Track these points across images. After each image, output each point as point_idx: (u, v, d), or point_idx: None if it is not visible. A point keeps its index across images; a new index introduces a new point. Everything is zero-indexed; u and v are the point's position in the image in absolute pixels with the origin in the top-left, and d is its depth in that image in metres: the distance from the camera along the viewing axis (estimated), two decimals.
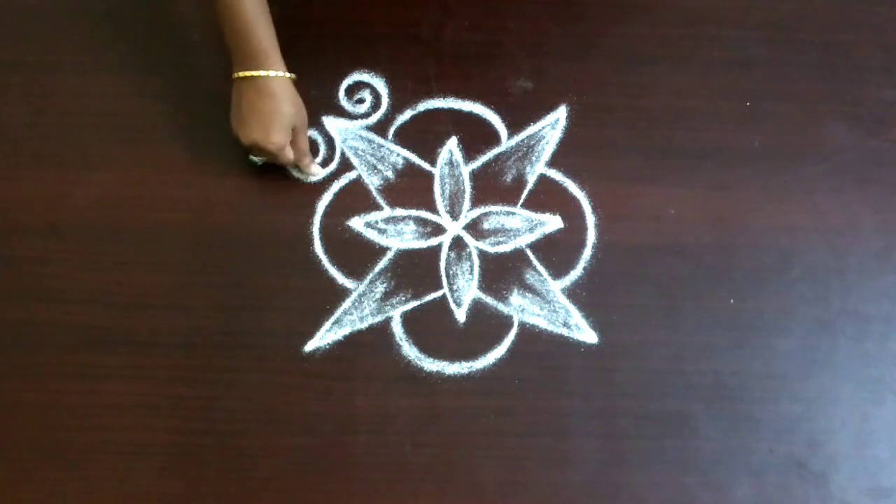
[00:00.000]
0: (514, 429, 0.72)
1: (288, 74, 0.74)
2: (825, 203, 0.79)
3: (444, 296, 0.75)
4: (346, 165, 0.80)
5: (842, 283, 0.76)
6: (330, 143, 0.80)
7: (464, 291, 0.76)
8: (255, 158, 0.78)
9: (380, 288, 0.76)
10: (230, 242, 0.77)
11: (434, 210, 0.78)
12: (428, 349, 0.74)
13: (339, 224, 0.78)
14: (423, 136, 0.80)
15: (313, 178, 0.79)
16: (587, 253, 0.77)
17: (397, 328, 0.74)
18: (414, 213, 0.78)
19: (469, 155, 0.80)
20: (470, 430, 0.72)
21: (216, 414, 0.72)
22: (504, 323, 0.75)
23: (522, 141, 0.80)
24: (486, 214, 0.78)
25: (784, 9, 0.85)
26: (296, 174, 0.79)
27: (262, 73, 0.72)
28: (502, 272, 0.76)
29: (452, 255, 0.77)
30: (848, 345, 0.75)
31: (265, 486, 0.70)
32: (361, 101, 0.82)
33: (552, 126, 0.81)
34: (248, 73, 0.72)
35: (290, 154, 0.76)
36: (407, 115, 0.81)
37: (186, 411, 0.72)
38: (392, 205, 0.78)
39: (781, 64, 0.83)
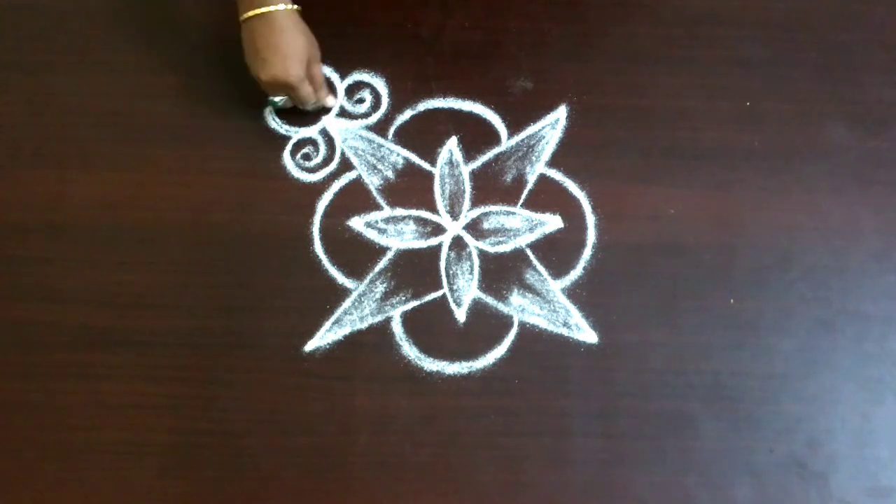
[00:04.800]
0: (514, 429, 0.72)
1: (295, 7, 0.74)
2: (825, 203, 0.79)
3: (444, 296, 0.75)
4: (346, 165, 0.80)
5: (842, 283, 0.76)
6: (330, 143, 0.80)
7: (464, 291, 0.76)
8: (276, 100, 0.78)
9: (380, 288, 0.76)
10: (230, 242, 0.77)
11: (434, 210, 0.78)
12: (428, 349, 0.74)
13: (339, 224, 0.78)
14: (423, 135, 0.80)
15: (330, 106, 0.81)
16: (587, 253, 0.77)
17: (397, 328, 0.74)
18: (414, 212, 0.78)
19: (469, 155, 0.80)
20: (470, 430, 0.72)
21: (216, 414, 0.72)
22: (504, 323, 0.75)
23: (522, 141, 0.80)
24: (486, 214, 0.78)
25: (784, 9, 0.85)
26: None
27: (271, 7, 0.72)
28: (502, 272, 0.76)
29: (452, 254, 0.77)
30: (848, 345, 0.75)
31: (265, 486, 0.70)
32: (361, 100, 0.82)
33: (552, 126, 0.81)
34: (258, 11, 0.72)
35: (308, 88, 0.76)
36: (407, 114, 0.81)
37: (186, 411, 0.72)
38: (392, 205, 0.78)
39: (781, 64, 0.83)
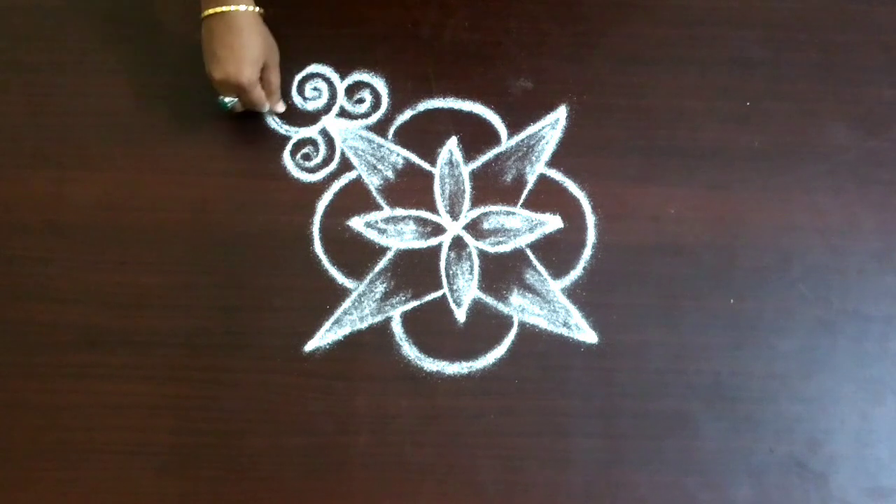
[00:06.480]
0: (514, 429, 0.72)
1: (256, 9, 0.74)
2: (825, 203, 0.79)
3: (444, 296, 0.75)
4: (346, 165, 0.80)
5: (842, 283, 0.76)
6: (330, 143, 0.80)
7: (464, 291, 0.76)
8: (226, 100, 0.77)
9: (380, 288, 0.76)
10: (230, 242, 0.77)
11: (434, 210, 0.78)
12: (428, 349, 0.74)
13: (339, 224, 0.78)
14: (423, 135, 0.80)
15: (279, 111, 0.80)
16: (587, 253, 0.77)
17: (397, 328, 0.74)
18: (414, 213, 0.78)
19: (469, 155, 0.80)
20: (470, 430, 0.72)
21: (216, 414, 0.72)
22: (504, 323, 0.75)
23: (522, 141, 0.80)
24: (486, 214, 0.78)
25: (784, 9, 0.85)
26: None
27: (231, 7, 0.72)
28: (502, 272, 0.76)
29: (452, 254, 0.77)
30: (848, 345, 0.75)
31: (265, 486, 0.70)
32: (361, 100, 0.82)
33: (552, 126, 0.81)
34: (216, 10, 0.72)
35: (260, 92, 0.76)
36: (407, 114, 0.81)
37: (186, 411, 0.72)
38: (392, 205, 0.78)
39: (781, 64, 0.83)
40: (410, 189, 0.79)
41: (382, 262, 0.76)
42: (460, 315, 0.75)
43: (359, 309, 0.75)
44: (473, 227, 0.78)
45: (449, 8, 0.85)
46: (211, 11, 0.73)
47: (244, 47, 0.73)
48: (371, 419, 0.72)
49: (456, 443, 0.71)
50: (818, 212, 0.78)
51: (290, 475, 0.71)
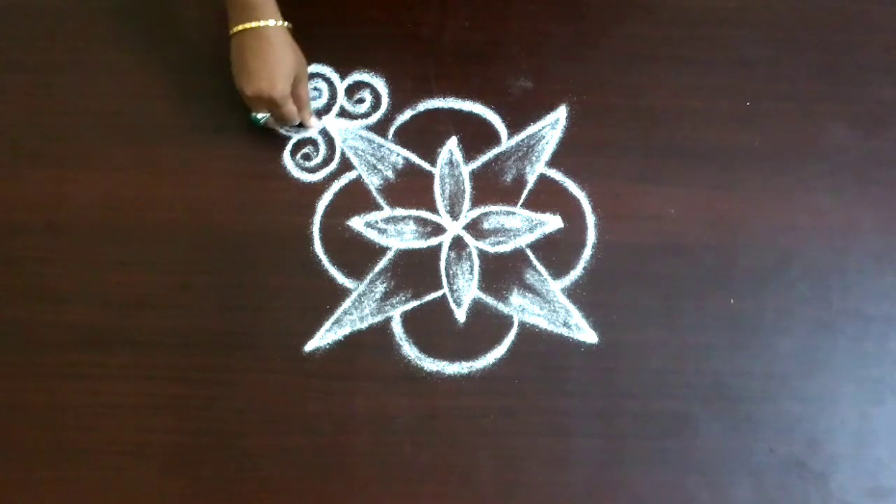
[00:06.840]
0: (514, 429, 0.72)
1: (286, 24, 0.75)
2: (825, 203, 0.79)
3: (444, 296, 0.75)
4: (346, 165, 0.80)
5: (842, 283, 0.76)
6: (330, 143, 0.80)
7: (464, 291, 0.76)
8: (258, 116, 0.77)
9: (380, 288, 0.76)
10: (230, 242, 0.77)
11: (434, 210, 0.78)
12: (428, 349, 0.74)
13: (339, 224, 0.78)
14: (423, 135, 0.80)
15: (312, 127, 0.80)
16: (587, 253, 0.77)
17: (397, 328, 0.74)
18: (414, 212, 0.78)
19: (469, 155, 0.80)
20: (470, 430, 0.72)
21: (216, 414, 0.72)
22: (504, 323, 0.75)
23: (522, 141, 0.80)
24: (486, 214, 0.78)
25: (784, 9, 0.85)
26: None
27: (261, 23, 0.73)
28: (502, 272, 0.76)
29: (452, 254, 0.77)
30: (848, 345, 0.75)
31: (265, 486, 0.70)
32: (361, 100, 0.82)
33: (552, 126, 0.81)
34: (247, 25, 0.73)
35: (292, 106, 0.76)
36: (407, 114, 0.81)
37: (186, 411, 0.72)
38: (392, 205, 0.78)
39: (781, 64, 0.83)
40: (410, 189, 0.79)
41: (382, 262, 0.76)
42: (460, 315, 0.75)
43: (359, 309, 0.75)
44: (473, 227, 0.78)
45: (449, 8, 0.85)
46: (241, 27, 0.73)
47: (277, 61, 0.74)
48: (371, 419, 0.72)
49: (456, 443, 0.71)
50: (818, 212, 0.78)
51: (290, 475, 0.71)
